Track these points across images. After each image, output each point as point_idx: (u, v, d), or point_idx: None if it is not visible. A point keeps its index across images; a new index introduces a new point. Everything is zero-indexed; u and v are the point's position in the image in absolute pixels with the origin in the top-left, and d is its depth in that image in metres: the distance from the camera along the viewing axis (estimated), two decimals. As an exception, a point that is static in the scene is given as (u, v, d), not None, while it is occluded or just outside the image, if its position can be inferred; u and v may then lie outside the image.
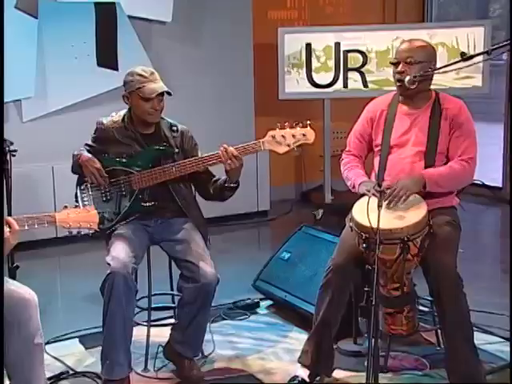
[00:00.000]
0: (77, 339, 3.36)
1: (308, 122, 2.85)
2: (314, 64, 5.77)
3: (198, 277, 2.75)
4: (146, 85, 2.84)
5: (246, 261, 4.59)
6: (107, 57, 5.24)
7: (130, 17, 5.32)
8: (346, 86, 5.74)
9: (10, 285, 2.20)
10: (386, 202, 2.61)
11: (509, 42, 2.49)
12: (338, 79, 5.75)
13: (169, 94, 2.91)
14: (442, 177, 2.76)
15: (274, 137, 2.86)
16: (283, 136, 2.84)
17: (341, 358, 3.04)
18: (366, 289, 2.53)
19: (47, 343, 3.26)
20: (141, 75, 2.86)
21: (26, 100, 5.08)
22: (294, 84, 5.79)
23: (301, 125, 2.86)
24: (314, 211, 5.86)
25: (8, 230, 2.06)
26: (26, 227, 2.12)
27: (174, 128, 3.02)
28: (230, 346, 3.31)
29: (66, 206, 2.21)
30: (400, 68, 2.79)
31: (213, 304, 3.55)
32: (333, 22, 6.35)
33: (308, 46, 5.76)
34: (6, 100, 5.00)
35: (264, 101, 6.12)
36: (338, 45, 5.74)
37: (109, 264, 2.69)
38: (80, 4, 5.14)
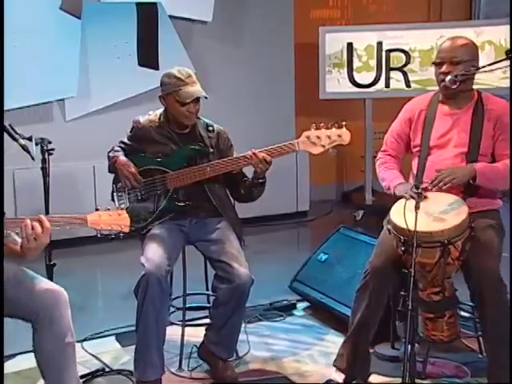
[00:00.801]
0: (113, 337, 3.38)
1: (343, 123, 2.81)
2: (356, 63, 5.71)
3: (233, 277, 2.73)
4: (182, 88, 2.82)
5: (284, 261, 4.56)
6: (148, 56, 5.29)
7: (171, 16, 5.36)
8: (387, 85, 5.67)
9: (41, 281, 2.21)
10: (427, 201, 2.53)
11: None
12: (379, 79, 5.69)
13: (205, 97, 2.88)
14: (493, 172, 2.67)
15: (308, 137, 2.82)
16: (318, 137, 2.80)
17: (378, 362, 2.98)
18: (402, 293, 2.46)
19: (84, 340, 3.30)
20: (178, 78, 2.84)
21: (69, 99, 5.16)
22: (335, 84, 5.74)
23: (336, 125, 2.81)
24: (354, 212, 5.79)
25: (40, 228, 2.07)
26: (58, 227, 2.13)
27: (210, 128, 3.01)
28: (265, 347, 3.28)
29: (97, 209, 2.22)
30: (444, 69, 2.70)
31: (249, 304, 3.53)
32: (376, 21, 6.28)
33: (349, 45, 5.70)
34: (50, 99, 5.12)
35: (304, 101, 6.09)
36: (380, 44, 5.66)
37: (143, 265, 2.69)
38: (122, 4, 5.21)
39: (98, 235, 2.23)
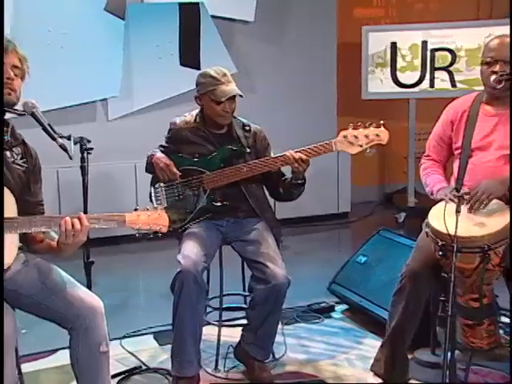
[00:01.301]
0: (151, 335, 3.41)
1: (381, 122, 2.75)
2: (399, 63, 5.62)
3: (269, 278, 2.71)
4: (217, 87, 2.82)
5: (324, 263, 4.53)
6: (190, 56, 5.32)
7: (213, 16, 5.38)
8: (432, 85, 5.56)
9: (79, 289, 2.23)
10: (467, 206, 2.47)
11: None
12: (424, 79, 5.59)
13: (240, 95, 2.87)
14: None
15: (346, 137, 2.78)
16: (356, 136, 2.76)
17: (418, 368, 2.92)
18: (441, 298, 2.40)
19: (123, 338, 3.34)
20: (213, 77, 2.84)
21: (112, 99, 5.23)
22: (378, 84, 5.67)
23: (374, 125, 2.76)
24: (396, 214, 5.71)
25: (79, 225, 2.10)
26: (96, 225, 2.15)
27: (247, 128, 3.00)
28: (302, 349, 3.26)
29: (136, 209, 2.23)
30: (498, 68, 2.60)
31: (287, 306, 3.53)
32: (421, 20, 6.17)
33: (393, 44, 5.62)
34: (93, 99, 5.19)
35: (347, 101, 6.03)
36: (425, 43, 5.57)
37: (179, 262, 2.69)
38: (165, 5, 5.25)
39: (137, 235, 2.24)
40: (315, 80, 5.87)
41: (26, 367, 2.80)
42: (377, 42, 5.65)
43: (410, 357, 2.86)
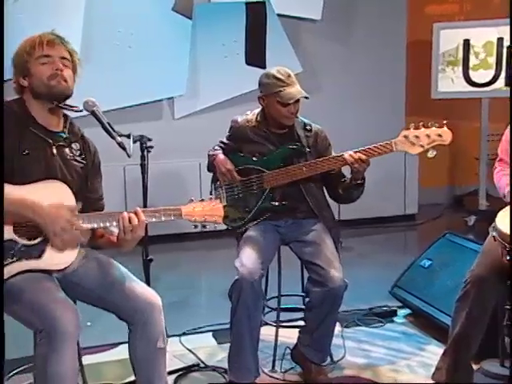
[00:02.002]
0: (210, 333, 3.41)
1: (444, 122, 2.65)
2: (472, 61, 5.44)
3: (326, 281, 2.66)
4: (283, 89, 2.79)
5: (388, 266, 4.43)
6: (256, 55, 5.33)
7: (279, 15, 5.36)
8: (508, 84, 5.33)
9: (137, 285, 2.25)
10: None
11: None
12: (498, 77, 5.37)
13: (306, 97, 2.83)
14: None
15: (406, 137, 2.69)
16: (417, 136, 2.67)
17: (484, 380, 2.81)
18: (507, 306, 2.29)
19: (183, 334, 3.37)
20: (278, 78, 2.81)
21: (178, 98, 5.29)
22: (449, 83, 5.50)
23: (437, 125, 2.67)
24: (466, 217, 5.52)
25: (136, 220, 2.12)
26: (153, 219, 2.16)
27: (308, 127, 2.96)
28: (362, 353, 3.19)
29: (191, 200, 2.23)
30: None
31: (348, 308, 3.48)
32: (496, 16, 5.94)
33: (466, 42, 5.44)
34: (160, 98, 5.27)
35: (416, 100, 5.90)
36: (500, 40, 5.35)
37: (237, 269, 2.68)
38: (232, 4, 5.28)
39: (193, 227, 2.24)
40: (383, 79, 5.76)
41: (88, 359, 2.86)
42: (448, 39, 5.49)
43: (476, 367, 2.75)
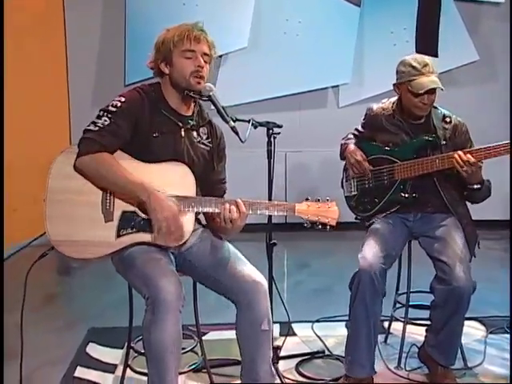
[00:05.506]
0: (343, 323, 3.39)
1: None
2: None
3: (450, 279, 2.52)
4: (416, 78, 2.69)
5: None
6: (427, 43, 5.10)
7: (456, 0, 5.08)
8: None
9: (244, 265, 2.31)
10: None
11: None
12: None
13: (441, 89, 2.69)
14: None
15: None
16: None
17: None
18: None
19: (317, 321, 3.40)
20: (413, 67, 2.71)
21: (343, 86, 5.27)
22: None
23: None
24: None
25: (236, 212, 2.18)
26: (266, 212, 2.23)
27: (447, 119, 2.81)
28: (502, 362, 2.97)
29: (307, 199, 2.27)
30: None
31: (498, 314, 3.26)
32: None
33: None
34: (325, 85, 5.30)
35: None
36: None
37: (359, 261, 2.64)
38: (403, -10, 5.11)
39: (305, 224, 2.27)
40: None
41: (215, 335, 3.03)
42: None
43: None
